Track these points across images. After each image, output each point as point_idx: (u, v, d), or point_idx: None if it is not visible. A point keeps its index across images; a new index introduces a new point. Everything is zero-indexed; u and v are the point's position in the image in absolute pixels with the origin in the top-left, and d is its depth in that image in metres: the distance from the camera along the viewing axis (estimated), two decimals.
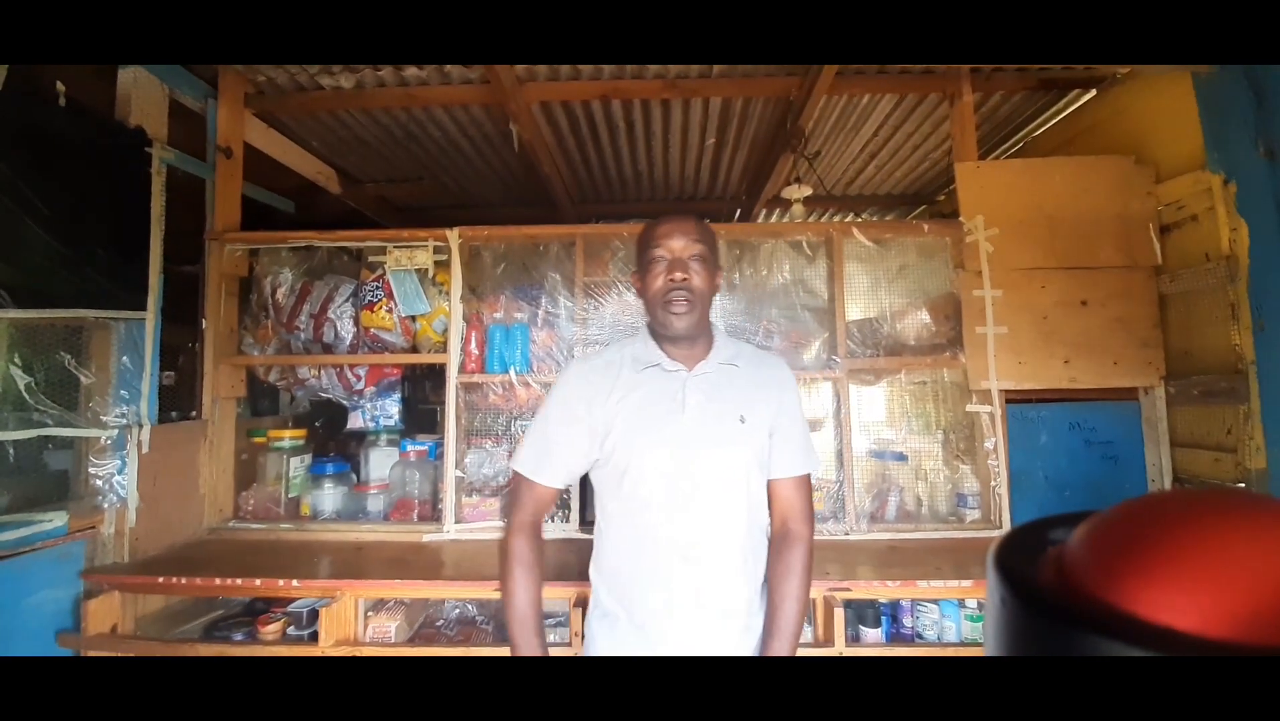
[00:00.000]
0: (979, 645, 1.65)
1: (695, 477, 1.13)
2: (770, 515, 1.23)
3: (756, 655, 1.14)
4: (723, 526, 1.14)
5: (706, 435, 1.14)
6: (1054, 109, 2.61)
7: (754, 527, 1.18)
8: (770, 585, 1.17)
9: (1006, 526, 2.03)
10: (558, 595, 1.72)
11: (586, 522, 2.08)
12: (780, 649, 1.11)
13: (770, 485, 1.21)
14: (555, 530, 2.06)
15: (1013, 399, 2.12)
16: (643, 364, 1.19)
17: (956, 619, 1.70)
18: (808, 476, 1.22)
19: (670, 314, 1.13)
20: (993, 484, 2.06)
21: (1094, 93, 2.41)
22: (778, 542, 1.19)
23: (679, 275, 1.12)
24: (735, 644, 1.13)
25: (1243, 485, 1.79)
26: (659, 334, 1.19)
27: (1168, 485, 2.06)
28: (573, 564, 1.78)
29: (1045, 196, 2.13)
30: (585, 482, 2.12)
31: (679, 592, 1.11)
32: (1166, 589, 0.23)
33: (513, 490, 1.22)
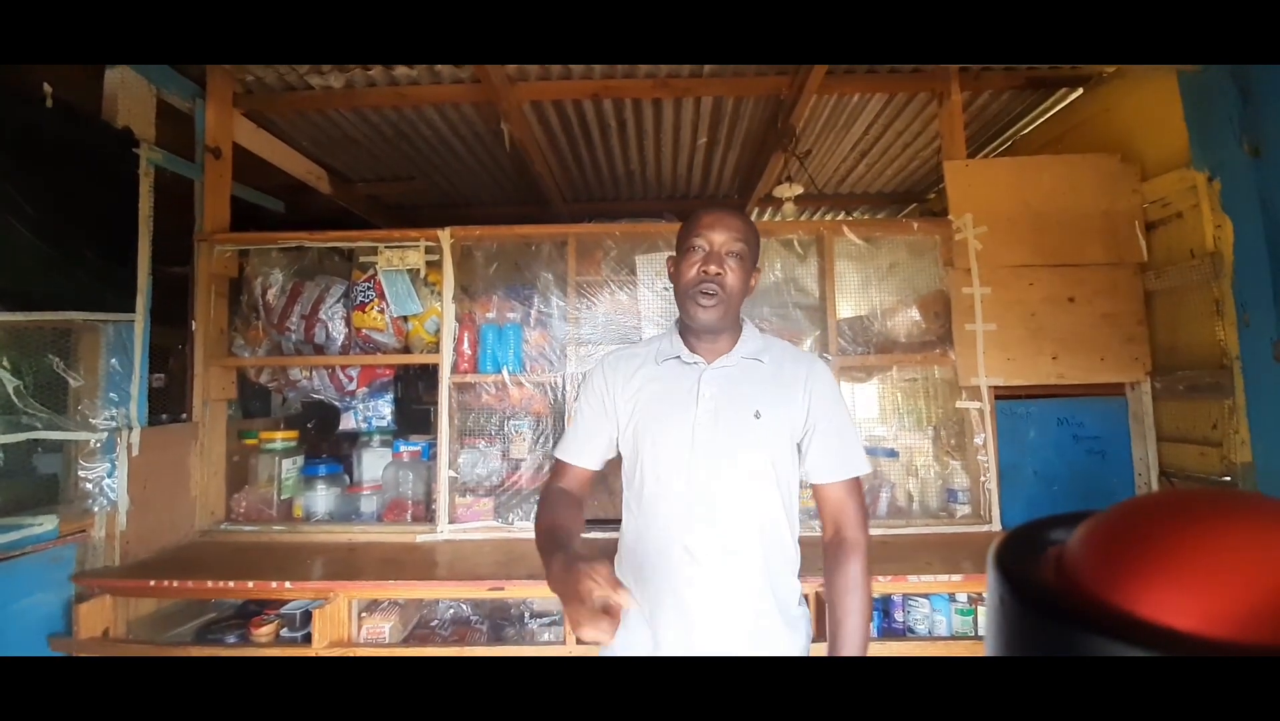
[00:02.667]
0: (968, 639, 1.66)
1: (705, 472, 1.11)
2: (821, 521, 1.19)
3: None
4: (735, 524, 1.11)
5: (718, 428, 1.12)
6: (1041, 108, 2.63)
7: (772, 528, 1.14)
8: (831, 598, 1.13)
9: (996, 521, 2.05)
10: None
11: (590, 521, 2.07)
12: (843, 652, 1.08)
13: (816, 490, 1.18)
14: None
15: (1002, 395, 2.14)
16: (664, 356, 1.20)
17: (947, 613, 1.72)
18: (857, 481, 1.17)
19: (698, 306, 1.12)
20: (982, 479, 2.08)
21: (1081, 91, 2.44)
22: (833, 552, 1.15)
23: (713, 269, 1.11)
24: (741, 648, 1.10)
25: (1228, 479, 1.82)
26: (685, 325, 1.19)
27: (1154, 479, 2.09)
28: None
29: (1033, 194, 2.15)
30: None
31: (684, 591, 1.10)
32: (1167, 588, 0.23)
33: (552, 471, 1.26)
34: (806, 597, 1.26)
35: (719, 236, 1.13)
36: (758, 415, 1.13)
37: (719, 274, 1.11)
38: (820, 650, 1.15)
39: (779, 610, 1.14)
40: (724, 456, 1.12)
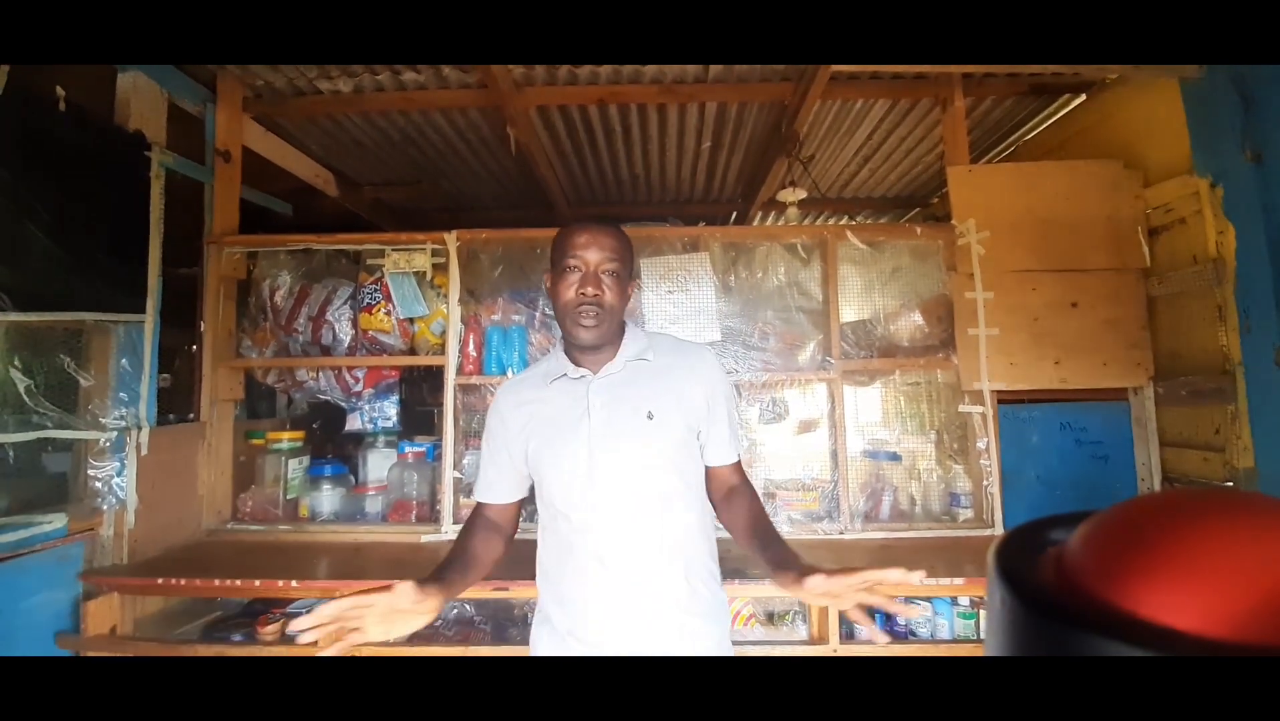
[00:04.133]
0: (970, 642, 1.67)
1: (606, 481, 1.11)
2: (710, 490, 1.24)
3: (707, 656, 1.12)
4: (640, 527, 1.12)
5: (613, 436, 1.12)
6: (1044, 114, 2.64)
7: (677, 525, 1.15)
8: (733, 526, 1.19)
9: (999, 525, 2.05)
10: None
11: None
12: (794, 564, 1.04)
13: (710, 472, 1.23)
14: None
15: (1004, 399, 2.14)
16: (551, 376, 1.20)
17: (949, 616, 1.72)
18: (739, 464, 1.25)
19: (579, 326, 1.12)
20: (985, 483, 2.08)
21: (1083, 98, 2.45)
22: (724, 500, 1.22)
23: (590, 290, 1.11)
24: (671, 647, 1.10)
25: (1231, 484, 1.82)
26: (566, 339, 1.20)
27: (1157, 484, 2.09)
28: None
29: (1036, 200, 2.16)
30: None
31: (603, 598, 1.10)
32: (1166, 589, 0.23)
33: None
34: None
35: (593, 256, 1.13)
36: (650, 416, 1.14)
37: (597, 294, 1.11)
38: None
39: (700, 603, 1.15)
40: (623, 461, 1.12)
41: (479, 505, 1.26)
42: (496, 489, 1.24)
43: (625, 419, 1.13)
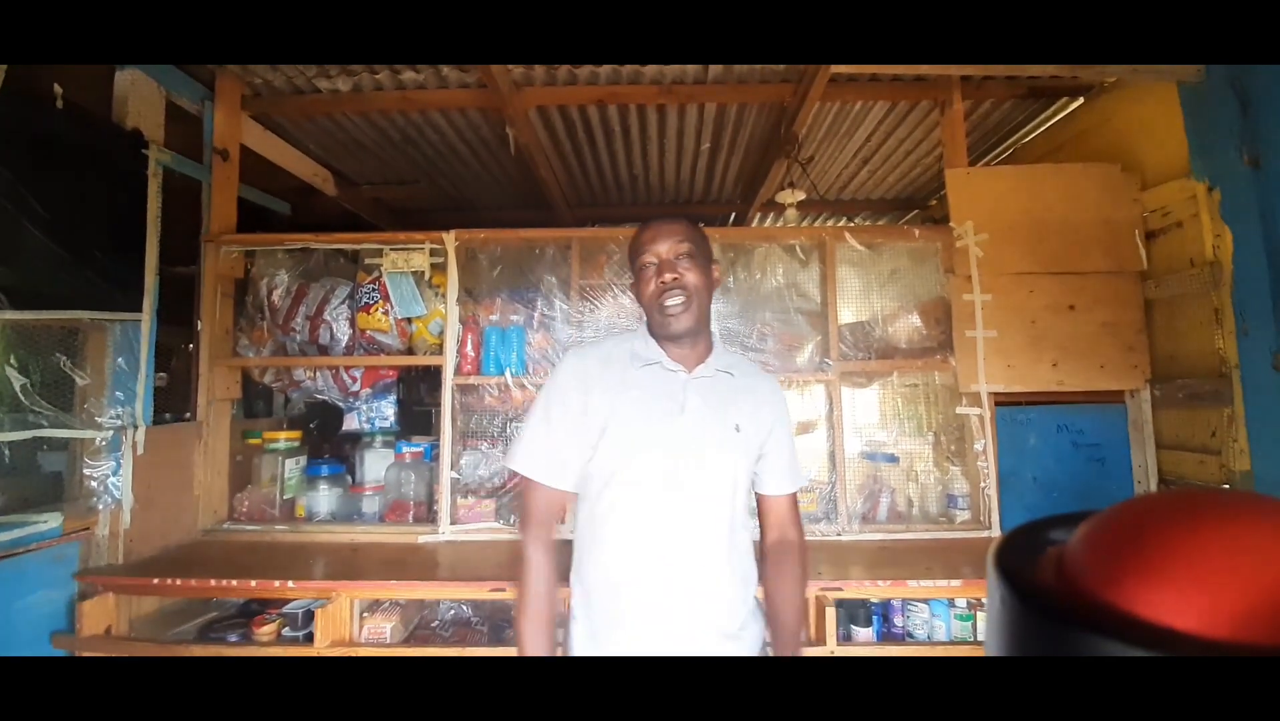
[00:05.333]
0: (968, 644, 1.67)
1: (687, 482, 1.11)
2: (763, 527, 1.26)
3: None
4: (710, 532, 1.13)
5: (703, 440, 1.13)
6: (1042, 116, 2.64)
7: (737, 536, 1.17)
8: (770, 592, 1.20)
9: (996, 527, 2.06)
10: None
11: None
12: (789, 650, 1.16)
13: (764, 500, 1.24)
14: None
15: (1002, 401, 2.15)
16: (642, 361, 1.17)
17: (946, 618, 1.72)
18: (795, 496, 1.26)
19: (667, 314, 1.13)
20: (982, 485, 2.08)
21: (1081, 101, 2.45)
22: (775, 552, 1.22)
23: (669, 276, 1.13)
24: (719, 650, 1.11)
25: (1227, 486, 1.82)
26: (659, 334, 1.18)
27: (1153, 486, 2.09)
28: (567, 565, 1.78)
29: (1034, 202, 2.16)
30: None
31: (665, 598, 1.10)
32: (1166, 589, 0.23)
33: (524, 496, 1.15)
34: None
35: (663, 246, 1.15)
36: (738, 428, 1.15)
37: (676, 277, 1.13)
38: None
39: (746, 608, 1.18)
40: (709, 466, 1.13)
41: (536, 495, 1.13)
42: (568, 470, 1.13)
43: (716, 425, 1.14)
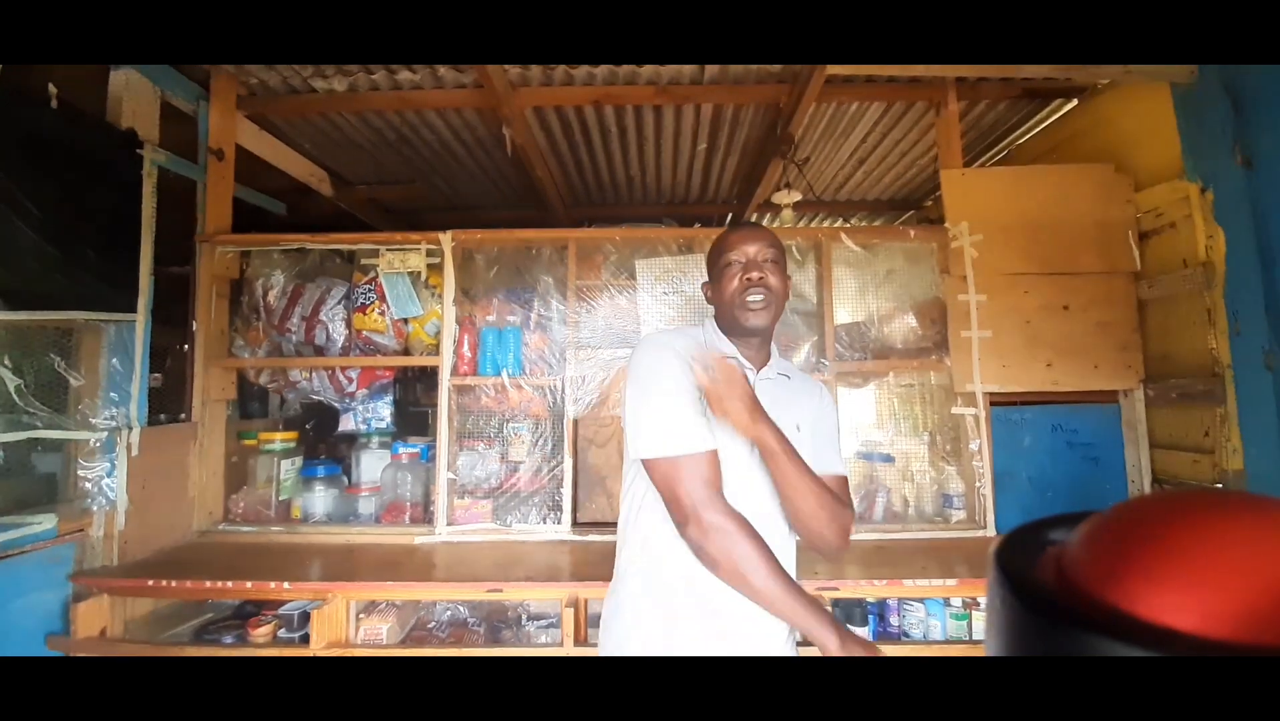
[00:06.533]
0: (963, 643, 1.68)
1: (758, 480, 1.13)
2: None
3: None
4: (775, 527, 1.15)
5: None
6: (1037, 118, 2.66)
7: (791, 532, 1.19)
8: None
9: (991, 526, 2.06)
10: (550, 595, 1.73)
11: (579, 524, 2.09)
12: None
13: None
14: (547, 532, 2.07)
15: (997, 401, 2.16)
16: (721, 355, 1.16)
17: (942, 617, 1.73)
18: (845, 478, 1.25)
19: (749, 311, 1.16)
20: (977, 485, 2.09)
21: (1075, 102, 2.47)
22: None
23: (755, 275, 1.16)
24: (777, 642, 1.14)
25: (1220, 486, 1.83)
26: (731, 331, 1.21)
27: (1147, 486, 2.10)
28: (564, 566, 1.79)
29: (1028, 203, 2.17)
30: (577, 481, 2.14)
31: (728, 600, 1.08)
32: (1166, 589, 0.23)
33: (673, 482, 1.05)
34: None
35: (752, 247, 1.19)
36: (798, 428, 1.18)
37: (762, 278, 1.16)
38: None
39: None
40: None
41: (682, 463, 1.04)
42: (703, 431, 1.07)
43: (782, 425, 1.12)
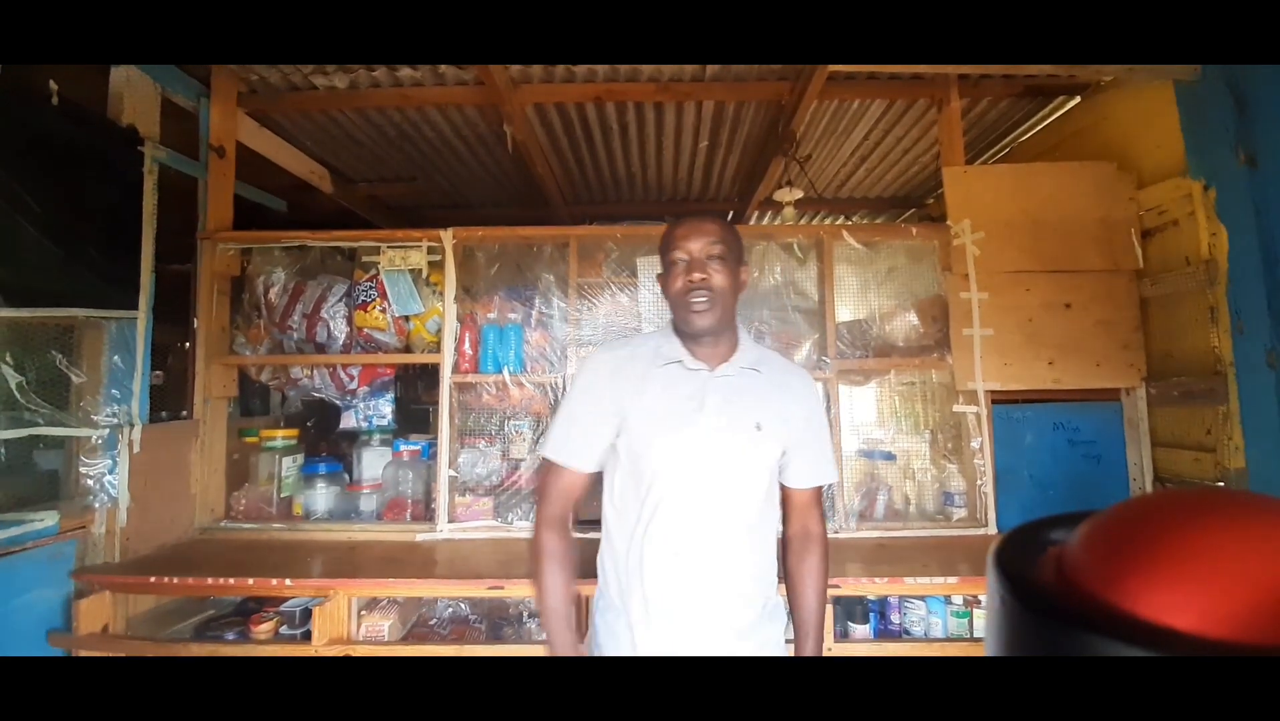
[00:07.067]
0: (964, 640, 1.68)
1: (706, 479, 1.13)
2: (786, 520, 1.26)
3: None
4: (728, 530, 1.14)
5: (722, 438, 1.14)
6: (1039, 115, 2.65)
7: (757, 534, 1.19)
8: (792, 585, 1.23)
9: (992, 525, 2.06)
10: None
11: (582, 522, 2.08)
12: (811, 647, 1.18)
13: (789, 492, 1.25)
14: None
15: (998, 399, 2.16)
16: (664, 359, 1.18)
17: (943, 615, 1.73)
18: (821, 488, 1.27)
19: (691, 312, 1.14)
20: (979, 483, 2.09)
21: (1078, 100, 2.46)
22: (796, 543, 1.24)
23: (697, 275, 1.13)
24: (732, 648, 1.13)
25: (1222, 484, 1.83)
26: (682, 331, 1.20)
27: (1149, 484, 2.10)
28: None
29: (1030, 201, 2.17)
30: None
31: (682, 591, 1.12)
32: (1166, 589, 0.23)
33: (541, 482, 1.21)
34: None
35: (696, 244, 1.15)
36: (759, 427, 1.15)
37: (704, 278, 1.13)
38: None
39: (763, 605, 1.19)
40: (726, 465, 1.14)
41: (556, 474, 1.18)
42: (585, 454, 1.17)
43: (737, 424, 1.14)
